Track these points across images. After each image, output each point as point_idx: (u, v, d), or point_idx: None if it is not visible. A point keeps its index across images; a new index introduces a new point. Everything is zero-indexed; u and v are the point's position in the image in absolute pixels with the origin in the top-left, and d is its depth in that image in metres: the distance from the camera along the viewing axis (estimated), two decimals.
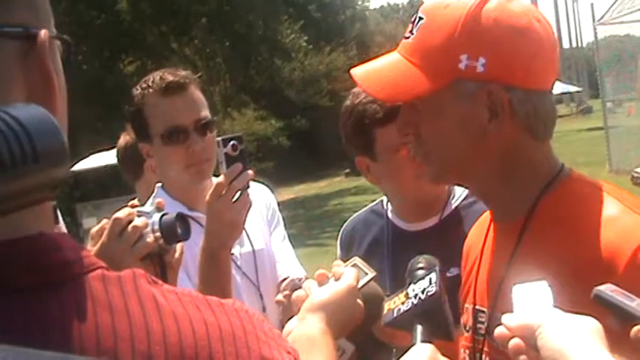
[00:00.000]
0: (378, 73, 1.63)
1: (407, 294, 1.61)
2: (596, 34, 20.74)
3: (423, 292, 1.58)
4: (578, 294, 1.28)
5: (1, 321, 0.77)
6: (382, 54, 1.68)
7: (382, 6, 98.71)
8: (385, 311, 1.63)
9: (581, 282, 1.35)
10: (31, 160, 0.66)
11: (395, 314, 1.59)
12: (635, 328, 1.16)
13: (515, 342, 1.22)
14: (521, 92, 1.53)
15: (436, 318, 1.56)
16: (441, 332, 1.55)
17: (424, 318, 1.54)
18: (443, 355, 1.44)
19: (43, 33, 0.86)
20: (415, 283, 1.62)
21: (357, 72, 1.66)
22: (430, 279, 1.60)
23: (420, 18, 1.58)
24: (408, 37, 1.60)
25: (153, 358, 0.81)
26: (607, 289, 1.22)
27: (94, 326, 0.80)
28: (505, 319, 1.26)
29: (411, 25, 1.61)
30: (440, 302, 1.57)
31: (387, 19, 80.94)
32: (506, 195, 1.62)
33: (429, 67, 1.54)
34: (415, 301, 1.57)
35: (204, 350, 0.84)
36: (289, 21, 36.68)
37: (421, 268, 1.68)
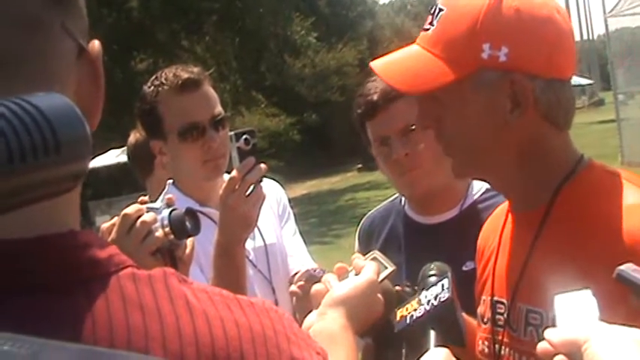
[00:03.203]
0: (398, 65, 1.63)
1: (419, 300, 1.61)
2: (607, 26, 20.63)
3: (435, 299, 1.58)
4: (600, 282, 1.27)
5: (30, 318, 0.77)
6: (394, 48, 1.68)
7: (391, 1, 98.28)
8: (398, 318, 1.62)
9: (603, 269, 1.35)
10: (52, 151, 0.65)
11: (408, 321, 1.59)
12: None
13: (559, 359, 1.17)
14: (544, 81, 1.53)
15: (449, 323, 1.56)
16: (453, 337, 1.55)
17: (437, 324, 1.54)
18: (457, 359, 1.44)
19: (97, 43, 0.91)
20: (427, 290, 1.62)
21: (377, 64, 1.65)
22: (442, 285, 1.60)
23: (440, 9, 1.58)
24: (427, 29, 1.60)
25: (185, 359, 0.81)
26: (629, 269, 1.21)
27: (125, 326, 0.80)
28: (548, 334, 1.22)
29: (430, 17, 1.60)
30: (453, 308, 1.58)
31: (397, 14, 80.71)
32: (527, 185, 1.62)
33: (451, 58, 1.54)
34: (428, 307, 1.57)
35: (236, 352, 0.84)
36: (300, 17, 36.56)
37: (433, 275, 1.68)
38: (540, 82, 1.52)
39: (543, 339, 1.22)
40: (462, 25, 1.53)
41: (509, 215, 1.73)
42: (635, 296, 1.20)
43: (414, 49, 1.62)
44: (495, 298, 1.71)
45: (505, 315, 1.66)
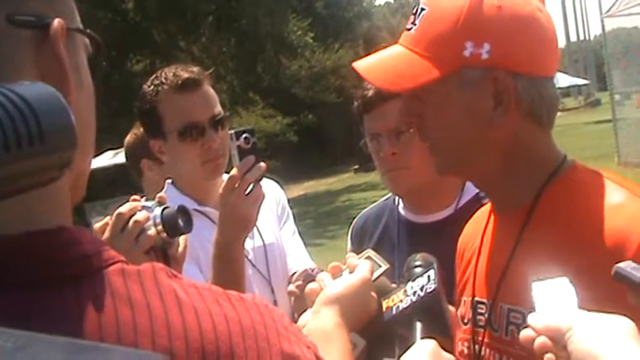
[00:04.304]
0: (381, 64, 1.62)
1: (405, 291, 1.60)
2: (603, 26, 20.63)
3: (421, 290, 1.57)
4: (585, 281, 1.27)
5: (20, 314, 0.77)
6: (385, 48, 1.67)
7: (388, 2, 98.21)
8: (384, 309, 1.62)
9: (587, 269, 1.35)
10: (37, 141, 0.64)
11: (394, 312, 1.59)
12: None
13: (541, 340, 1.19)
14: (527, 79, 1.52)
15: (435, 314, 1.55)
16: (439, 328, 1.54)
17: (423, 315, 1.54)
18: (444, 350, 1.44)
19: (57, 22, 0.86)
20: (413, 281, 1.61)
21: (360, 64, 1.64)
22: (428, 276, 1.60)
23: (422, 9, 1.57)
24: (410, 29, 1.59)
25: (174, 353, 0.80)
26: (627, 267, 1.20)
27: (114, 321, 0.80)
28: (531, 319, 1.23)
29: (412, 17, 1.59)
30: (439, 299, 1.57)
31: (393, 15, 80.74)
32: (511, 184, 1.61)
33: (434, 56, 1.52)
34: (414, 298, 1.57)
35: (225, 345, 0.83)
36: (297, 18, 36.59)
37: (419, 266, 1.67)
38: (523, 79, 1.52)
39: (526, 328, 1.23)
40: (444, 24, 1.52)
41: (492, 216, 1.73)
42: (634, 295, 1.19)
43: (396, 48, 1.62)
44: (476, 299, 1.70)
45: (486, 315, 1.65)
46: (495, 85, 1.51)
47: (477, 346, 1.67)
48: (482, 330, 1.66)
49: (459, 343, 1.74)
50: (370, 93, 2.33)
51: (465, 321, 1.73)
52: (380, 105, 2.33)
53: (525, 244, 1.57)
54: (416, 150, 2.26)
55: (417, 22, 1.57)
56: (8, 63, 0.83)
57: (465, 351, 1.72)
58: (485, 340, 1.65)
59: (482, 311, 1.67)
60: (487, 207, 1.78)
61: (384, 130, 2.34)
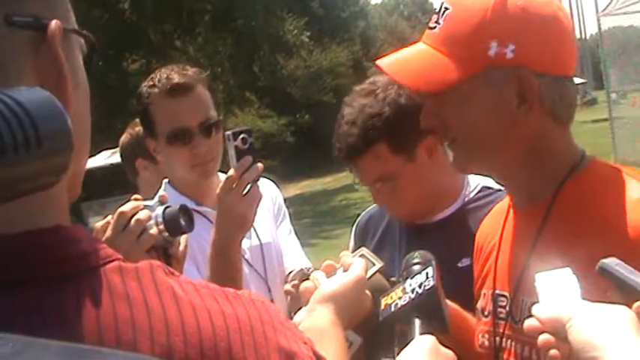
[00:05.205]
0: (406, 63, 1.65)
1: (404, 289, 1.60)
2: (599, 25, 20.61)
3: (420, 287, 1.57)
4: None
5: (19, 313, 0.78)
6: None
7: (384, 1, 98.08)
8: (382, 306, 1.61)
9: None
10: (34, 146, 0.65)
11: (392, 309, 1.58)
12: (637, 304, 1.16)
13: (544, 337, 1.21)
14: (550, 78, 1.55)
15: (434, 311, 1.54)
16: (438, 325, 1.53)
17: (422, 312, 1.53)
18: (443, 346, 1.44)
19: (54, 23, 0.86)
20: (412, 278, 1.61)
21: (385, 62, 1.66)
22: (427, 273, 1.59)
23: (446, 8, 1.60)
24: (433, 28, 1.62)
25: (172, 349, 0.81)
26: (612, 263, 1.22)
27: (112, 318, 0.81)
28: (535, 310, 1.25)
29: (436, 16, 1.62)
30: (437, 296, 1.56)
31: (390, 14, 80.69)
32: (531, 180, 1.63)
33: (459, 56, 1.55)
34: (412, 296, 1.56)
35: (222, 341, 0.84)
36: (293, 17, 36.50)
37: (417, 263, 1.67)
38: (547, 78, 1.54)
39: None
40: (469, 24, 1.55)
41: (511, 211, 1.74)
42: (617, 290, 1.21)
43: (421, 47, 1.64)
44: (497, 291, 1.72)
45: (507, 307, 1.67)
46: (520, 84, 1.54)
47: (497, 338, 1.70)
48: (503, 322, 1.69)
49: (479, 335, 1.78)
50: (341, 155, 2.30)
51: (486, 313, 1.76)
52: (354, 161, 2.29)
53: (546, 237, 1.59)
54: (407, 187, 2.25)
55: (440, 21, 1.60)
56: (7, 64, 0.83)
57: (486, 343, 1.74)
58: (506, 332, 1.67)
59: (503, 304, 1.69)
60: (505, 203, 1.80)
61: (367, 183, 2.32)
